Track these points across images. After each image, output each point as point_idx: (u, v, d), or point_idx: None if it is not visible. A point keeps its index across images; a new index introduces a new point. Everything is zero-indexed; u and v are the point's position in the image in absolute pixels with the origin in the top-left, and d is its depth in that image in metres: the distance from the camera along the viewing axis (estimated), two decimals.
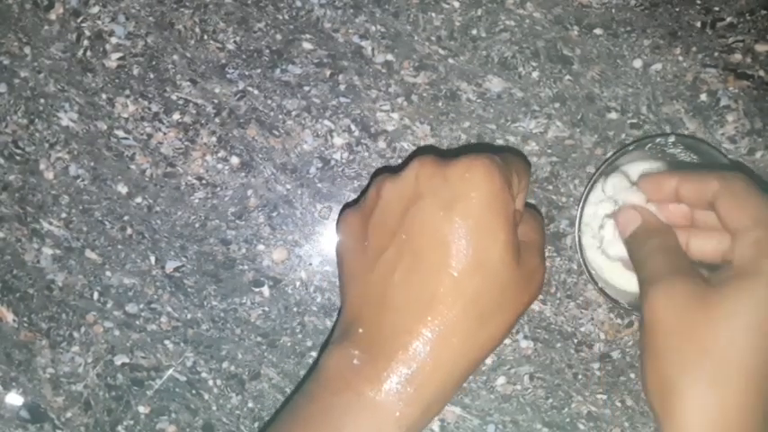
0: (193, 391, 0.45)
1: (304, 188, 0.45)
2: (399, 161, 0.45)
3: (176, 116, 0.45)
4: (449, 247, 0.32)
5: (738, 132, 0.45)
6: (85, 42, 0.45)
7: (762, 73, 0.45)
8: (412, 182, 0.33)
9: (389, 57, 0.45)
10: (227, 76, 0.45)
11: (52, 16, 0.46)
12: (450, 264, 0.32)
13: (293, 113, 0.45)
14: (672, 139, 0.41)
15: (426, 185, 0.33)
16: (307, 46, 0.45)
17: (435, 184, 0.33)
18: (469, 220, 0.32)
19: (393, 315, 0.32)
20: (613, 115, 0.45)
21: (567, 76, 0.45)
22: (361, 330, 0.33)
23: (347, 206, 0.45)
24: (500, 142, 0.45)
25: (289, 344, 0.45)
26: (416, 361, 0.31)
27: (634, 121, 0.45)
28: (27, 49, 0.45)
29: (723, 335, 0.30)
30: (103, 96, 0.45)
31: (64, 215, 0.45)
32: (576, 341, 0.45)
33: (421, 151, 0.45)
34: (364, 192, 0.45)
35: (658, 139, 0.41)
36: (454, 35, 0.45)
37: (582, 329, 0.45)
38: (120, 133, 0.45)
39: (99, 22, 0.45)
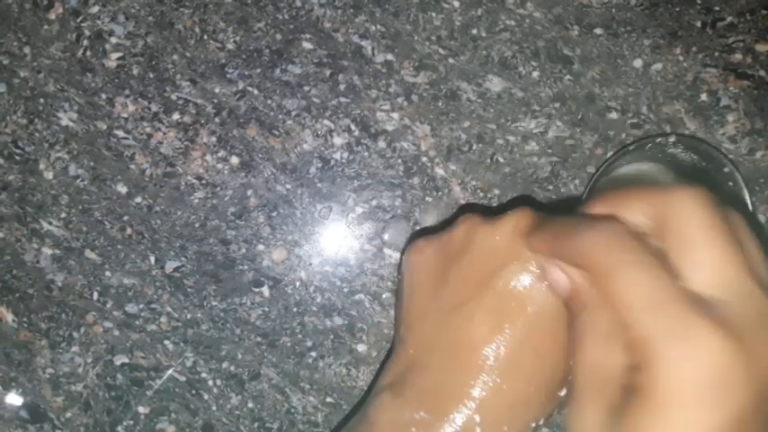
0: (193, 392, 0.45)
1: (304, 188, 0.45)
2: (399, 161, 0.45)
3: (176, 116, 0.45)
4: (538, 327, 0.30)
5: (739, 132, 0.45)
6: (85, 42, 0.45)
7: (762, 73, 0.45)
8: (510, 238, 0.32)
9: (389, 56, 0.45)
10: (227, 75, 0.45)
11: (52, 16, 0.45)
12: (532, 343, 0.30)
13: (293, 113, 0.45)
14: (672, 139, 0.41)
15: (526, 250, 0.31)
16: (306, 46, 0.45)
17: None
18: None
19: (461, 375, 0.30)
20: (614, 115, 0.45)
21: (568, 76, 0.45)
22: (420, 381, 0.31)
23: (422, 233, 0.44)
24: (500, 142, 0.45)
25: (288, 344, 0.45)
26: None
27: (634, 120, 0.45)
28: (27, 49, 0.45)
29: None
30: (103, 96, 0.45)
31: (63, 215, 0.45)
32: None
33: (519, 201, 0.44)
34: (439, 224, 0.45)
35: (659, 139, 0.41)
36: (454, 35, 0.45)
37: None
38: (120, 133, 0.45)
39: (98, 22, 0.45)
